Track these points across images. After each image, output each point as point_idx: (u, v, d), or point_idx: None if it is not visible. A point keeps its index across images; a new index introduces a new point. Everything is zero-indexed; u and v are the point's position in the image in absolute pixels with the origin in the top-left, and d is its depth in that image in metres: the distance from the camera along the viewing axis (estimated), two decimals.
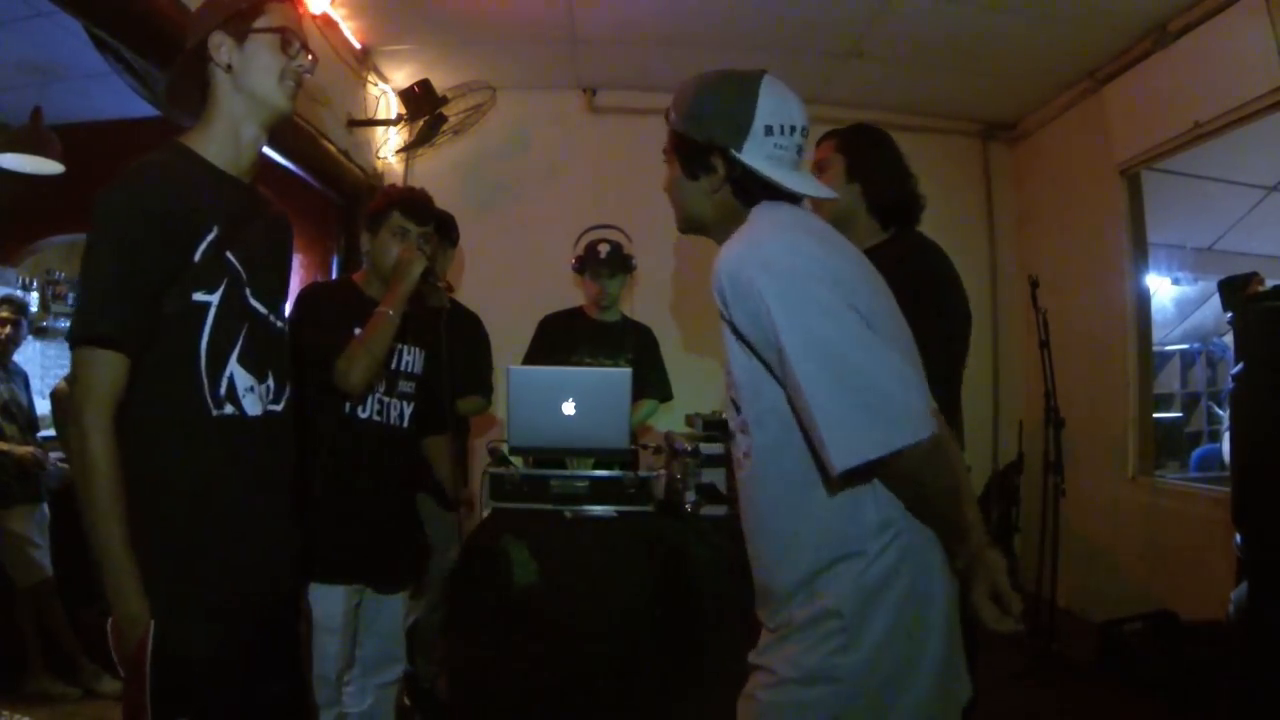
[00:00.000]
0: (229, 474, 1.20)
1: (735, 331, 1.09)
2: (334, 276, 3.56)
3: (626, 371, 2.23)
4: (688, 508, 2.08)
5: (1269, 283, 2.40)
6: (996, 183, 4.35)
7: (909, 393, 0.99)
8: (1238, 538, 2.16)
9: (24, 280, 4.32)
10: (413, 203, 1.90)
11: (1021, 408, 3.97)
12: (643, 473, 2.22)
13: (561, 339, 2.82)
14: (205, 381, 1.17)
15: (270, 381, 1.27)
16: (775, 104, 1.14)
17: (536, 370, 2.48)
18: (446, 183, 3.91)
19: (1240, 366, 2.21)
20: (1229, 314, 2.36)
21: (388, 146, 3.79)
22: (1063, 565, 3.23)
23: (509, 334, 2.94)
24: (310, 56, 1.30)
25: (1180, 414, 5.35)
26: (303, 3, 1.65)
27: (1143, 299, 3.61)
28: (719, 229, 1.20)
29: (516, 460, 2.29)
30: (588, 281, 2.84)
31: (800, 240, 1.08)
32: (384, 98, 3.79)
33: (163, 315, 1.13)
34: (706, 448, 2.10)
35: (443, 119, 3.43)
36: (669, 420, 2.91)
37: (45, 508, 2.95)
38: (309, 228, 3.91)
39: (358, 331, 1.78)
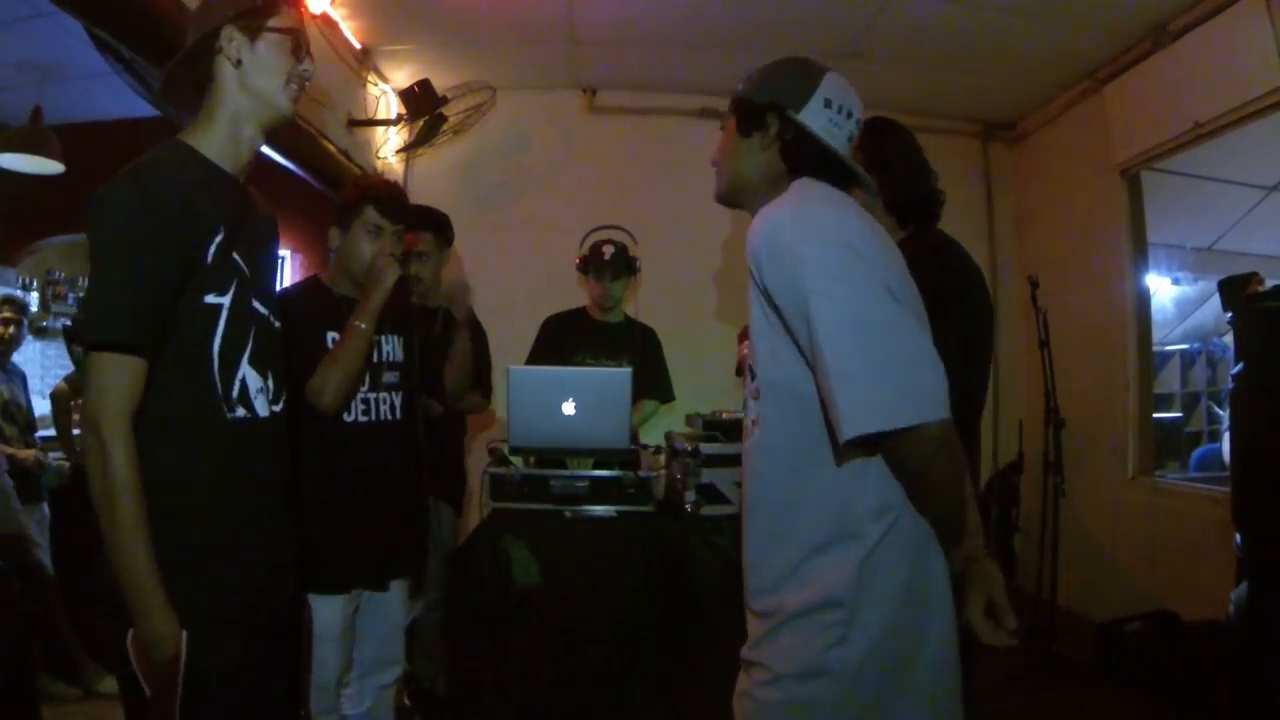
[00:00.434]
0: (244, 478, 1.19)
1: (765, 296, 1.07)
2: None
3: (626, 371, 2.23)
4: (688, 508, 2.08)
5: (1269, 283, 2.39)
6: (996, 183, 4.35)
7: (932, 374, 0.98)
8: (1238, 538, 2.16)
9: (24, 280, 4.31)
10: (388, 198, 1.81)
11: (1021, 408, 3.97)
12: (643, 473, 2.22)
13: (565, 339, 2.82)
14: (219, 384, 1.16)
15: (270, 382, 1.26)
16: (838, 86, 1.18)
17: (537, 370, 2.48)
18: (446, 183, 3.92)
19: (1240, 366, 2.21)
20: (1229, 314, 2.36)
21: (388, 146, 3.79)
22: (1063, 565, 3.23)
23: (509, 334, 2.94)
24: (312, 66, 1.29)
25: (1180, 414, 5.35)
26: (306, 7, 1.65)
27: (1143, 299, 3.61)
28: (756, 195, 1.20)
29: (516, 460, 2.29)
30: (591, 282, 2.84)
31: (846, 216, 1.08)
32: (384, 98, 3.79)
33: (178, 319, 1.11)
34: (706, 448, 2.10)
35: (443, 119, 3.42)
36: (669, 420, 2.92)
37: (45, 508, 2.95)
38: (309, 228, 3.92)
39: (331, 336, 1.73)
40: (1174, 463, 4.72)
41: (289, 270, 4.19)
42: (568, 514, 2.14)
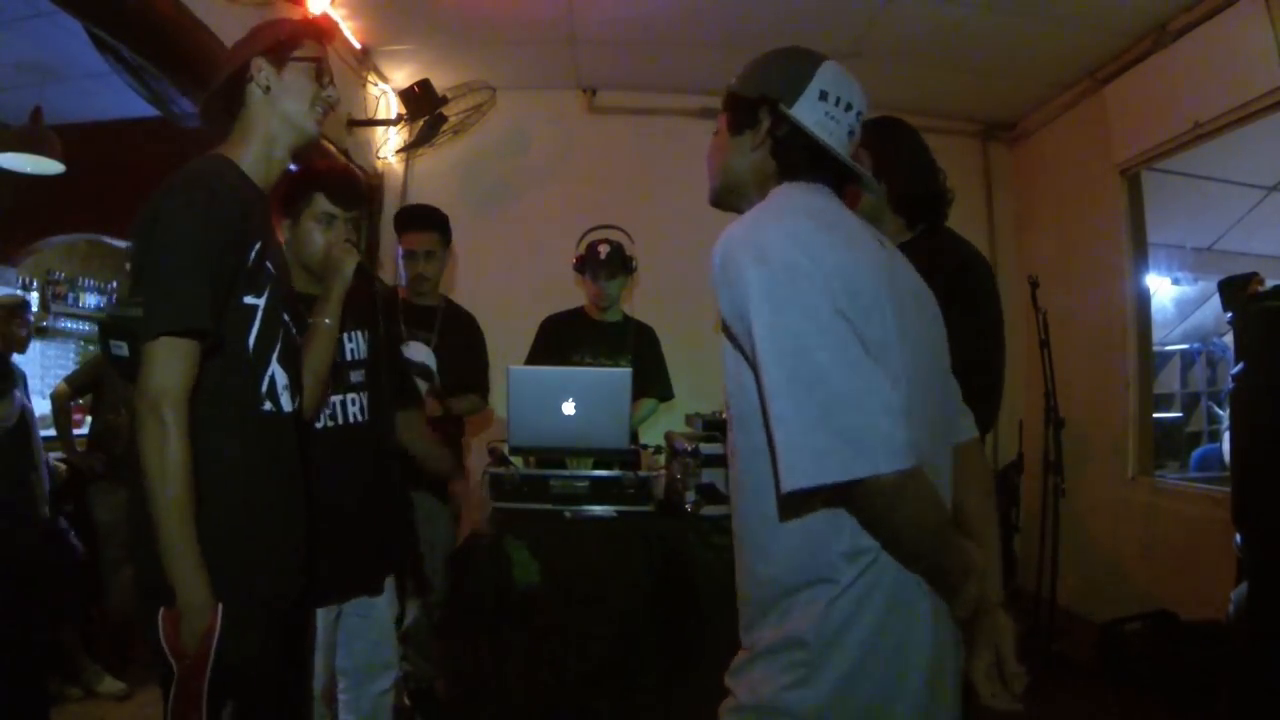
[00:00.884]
0: (273, 468, 1.28)
1: (723, 320, 1.00)
2: None
3: (626, 371, 2.23)
4: (688, 508, 2.08)
5: (1269, 283, 2.39)
6: (996, 183, 4.35)
7: (885, 418, 0.87)
8: (1238, 538, 2.15)
9: (24, 280, 4.32)
10: (339, 184, 1.70)
11: (1021, 408, 3.96)
12: (643, 473, 2.22)
13: (564, 339, 2.82)
14: (253, 378, 1.25)
15: (293, 384, 1.35)
16: (835, 76, 1.08)
17: (536, 370, 2.48)
18: (446, 183, 3.92)
19: (1240, 366, 2.21)
20: (1229, 314, 2.36)
21: (388, 146, 3.79)
22: (1063, 565, 3.23)
23: (509, 334, 2.94)
24: (336, 93, 1.40)
25: (1180, 414, 5.35)
26: (333, 40, 1.70)
27: (1143, 299, 3.61)
28: (748, 199, 1.12)
29: (516, 460, 2.29)
30: (588, 282, 2.84)
31: (805, 230, 0.96)
32: (384, 98, 3.80)
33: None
34: (706, 448, 2.10)
35: (443, 119, 3.42)
36: (669, 420, 2.92)
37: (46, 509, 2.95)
38: None
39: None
40: (1174, 463, 4.73)
41: None
42: (568, 514, 2.14)
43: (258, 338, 1.25)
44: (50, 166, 3.28)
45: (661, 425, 2.82)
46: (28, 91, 3.28)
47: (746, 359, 0.97)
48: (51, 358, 4.55)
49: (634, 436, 2.65)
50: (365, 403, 1.76)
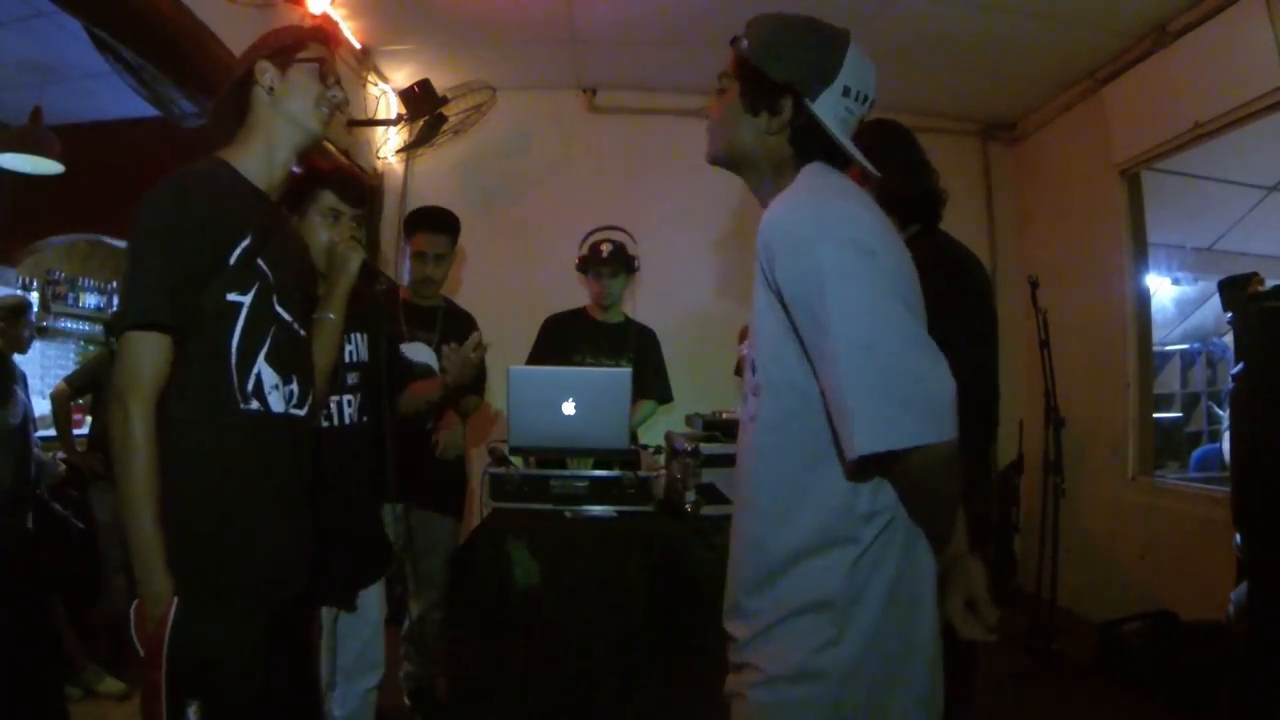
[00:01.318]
0: (251, 466, 1.26)
1: (774, 290, 1.03)
2: None
3: (626, 371, 2.24)
4: (688, 508, 2.08)
5: (1269, 283, 2.39)
6: (996, 183, 4.35)
7: (946, 391, 0.94)
8: (1238, 538, 2.15)
9: (24, 280, 4.32)
10: (346, 182, 1.75)
11: (1021, 408, 3.96)
12: (643, 473, 2.22)
13: (565, 339, 2.82)
14: (235, 376, 1.24)
15: (294, 385, 1.34)
16: (860, 68, 1.10)
17: (536, 370, 2.48)
18: (446, 183, 3.92)
19: (1240, 366, 2.20)
20: (1229, 314, 2.36)
21: (388, 146, 3.79)
22: (1063, 565, 3.23)
23: (508, 334, 2.94)
24: (342, 93, 1.41)
25: (1180, 414, 5.35)
26: (338, 44, 1.74)
27: (1143, 299, 3.61)
28: (755, 171, 1.15)
29: (516, 460, 2.29)
30: (590, 280, 2.84)
31: (864, 215, 1.03)
32: (384, 98, 3.80)
33: (201, 313, 1.21)
34: (706, 448, 2.10)
35: (443, 119, 3.42)
36: (669, 420, 2.92)
37: None
38: None
39: None
40: (1174, 463, 4.73)
41: None
42: (568, 514, 2.14)
43: (243, 335, 1.25)
44: (50, 166, 3.28)
45: (661, 425, 2.82)
46: (28, 91, 3.29)
47: (794, 328, 1.01)
48: (51, 358, 4.55)
49: (634, 436, 2.65)
50: (359, 405, 1.79)
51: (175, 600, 1.13)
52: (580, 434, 2.11)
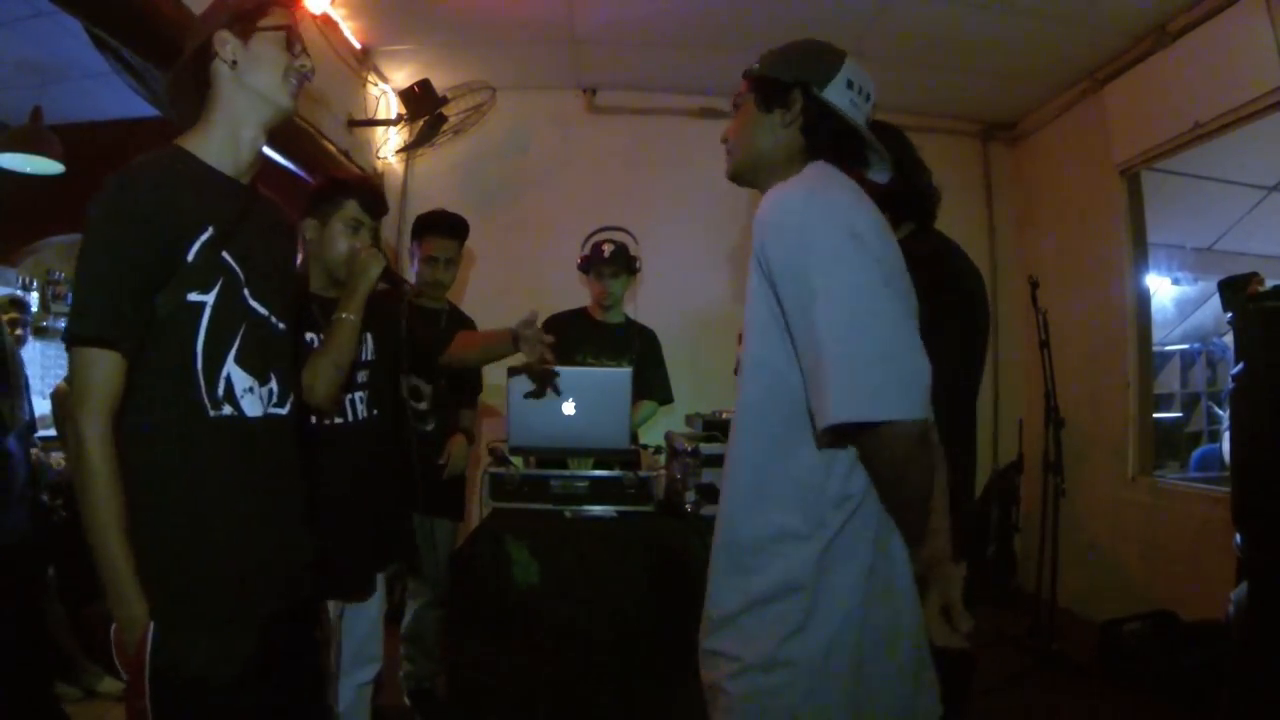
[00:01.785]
0: (229, 477, 1.17)
1: (764, 269, 1.07)
2: None
3: (626, 371, 2.24)
4: (688, 508, 2.08)
5: (1269, 283, 2.39)
6: (996, 183, 4.35)
7: (920, 373, 0.98)
8: (1238, 538, 2.15)
9: (24, 280, 4.32)
10: (373, 194, 1.82)
11: (1021, 408, 3.96)
12: (643, 473, 2.22)
13: (566, 339, 2.81)
14: (202, 382, 1.15)
15: (273, 384, 1.25)
16: (858, 69, 1.18)
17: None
18: (446, 183, 3.92)
19: (1240, 366, 2.20)
20: (1229, 314, 2.36)
21: (388, 146, 3.79)
22: (1063, 565, 3.23)
23: None
24: (310, 62, 1.29)
25: (1180, 414, 5.35)
26: (302, 7, 1.66)
27: (1143, 299, 3.61)
28: (772, 173, 1.19)
29: (516, 460, 2.29)
30: (591, 280, 2.85)
31: (857, 204, 1.08)
32: (384, 98, 3.79)
33: (158, 316, 1.12)
34: (706, 448, 2.10)
35: (443, 119, 3.42)
36: (669, 420, 2.92)
37: None
38: None
39: (309, 337, 1.69)
40: (1174, 463, 4.72)
41: None
42: (568, 514, 2.14)
43: (208, 338, 1.15)
44: (50, 166, 3.28)
45: (661, 425, 2.82)
46: (28, 91, 3.28)
47: (781, 310, 1.05)
48: (51, 358, 4.54)
49: (634, 436, 2.65)
50: (369, 400, 1.83)
51: (152, 624, 1.06)
52: (580, 434, 2.12)
